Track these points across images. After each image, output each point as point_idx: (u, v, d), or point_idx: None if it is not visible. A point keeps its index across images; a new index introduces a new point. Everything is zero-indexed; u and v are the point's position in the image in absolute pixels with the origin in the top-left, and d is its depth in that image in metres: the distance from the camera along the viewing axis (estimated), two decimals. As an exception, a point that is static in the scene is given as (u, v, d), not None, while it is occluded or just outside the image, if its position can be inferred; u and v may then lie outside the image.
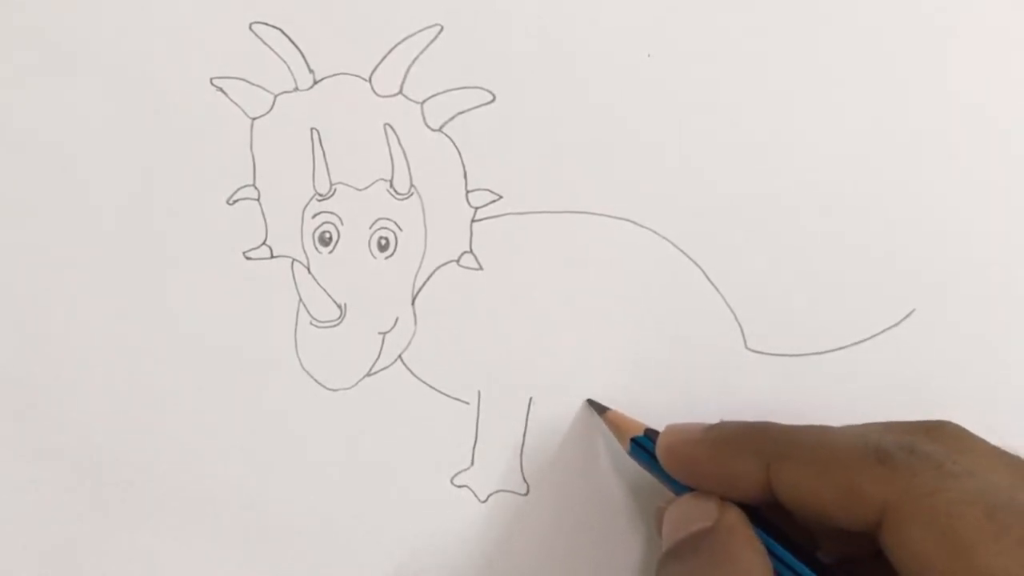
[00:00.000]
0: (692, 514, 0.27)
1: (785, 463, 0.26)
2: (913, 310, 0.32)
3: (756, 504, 0.27)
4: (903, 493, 0.23)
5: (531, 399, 0.32)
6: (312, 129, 0.32)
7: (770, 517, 0.27)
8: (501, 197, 0.32)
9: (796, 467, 0.25)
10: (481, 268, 0.32)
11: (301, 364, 0.32)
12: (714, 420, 0.32)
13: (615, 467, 0.32)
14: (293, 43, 0.32)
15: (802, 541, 0.27)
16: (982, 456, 0.26)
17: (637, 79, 0.32)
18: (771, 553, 0.26)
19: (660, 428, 0.29)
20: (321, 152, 0.32)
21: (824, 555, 0.28)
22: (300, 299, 0.32)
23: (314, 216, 0.32)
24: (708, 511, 0.27)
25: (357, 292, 0.32)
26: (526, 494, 0.32)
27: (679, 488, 0.28)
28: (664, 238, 0.32)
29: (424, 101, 0.32)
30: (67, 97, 0.32)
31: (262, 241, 0.32)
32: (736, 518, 0.26)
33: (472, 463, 0.32)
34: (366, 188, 0.32)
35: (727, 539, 0.26)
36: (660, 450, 0.28)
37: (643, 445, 0.29)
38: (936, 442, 0.25)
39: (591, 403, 0.32)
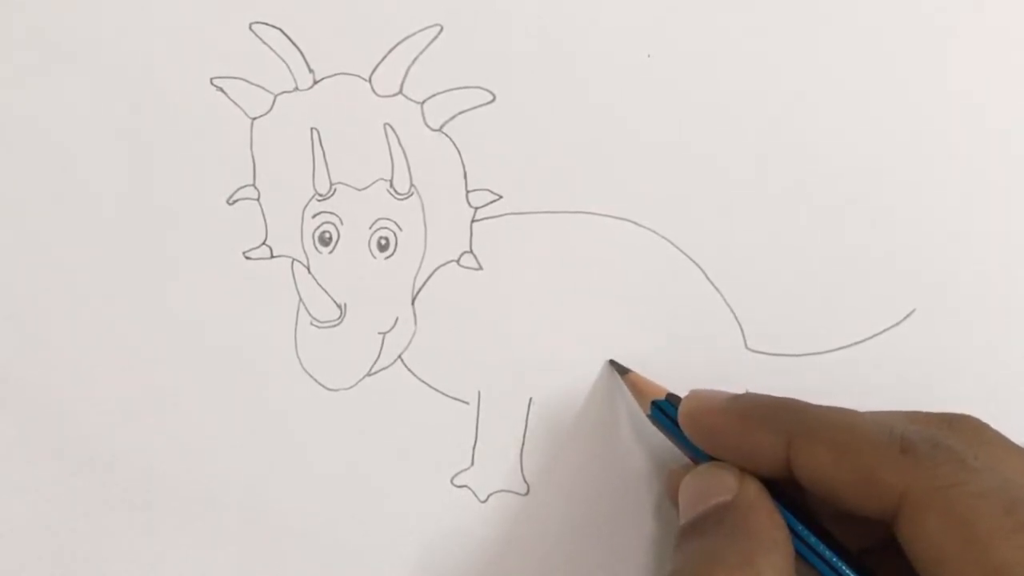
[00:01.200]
0: (711, 486, 0.27)
1: (807, 441, 0.25)
2: (913, 310, 0.32)
3: (775, 479, 0.26)
4: (923, 484, 0.23)
5: (531, 399, 0.32)
6: (312, 129, 0.32)
7: (788, 492, 0.27)
8: (501, 197, 0.32)
9: (818, 447, 0.25)
10: (481, 268, 0.32)
11: (301, 364, 0.32)
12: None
13: (622, 457, 0.32)
14: (293, 43, 0.32)
15: (817, 517, 0.27)
16: (1002, 452, 0.26)
17: (637, 79, 0.32)
18: (789, 527, 0.26)
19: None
20: (321, 152, 0.32)
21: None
22: (300, 299, 0.32)
23: (314, 216, 0.32)
24: (728, 484, 0.26)
25: (357, 292, 0.32)
26: (526, 494, 0.32)
27: (697, 454, 0.28)
28: (664, 238, 0.32)
29: (424, 101, 0.32)
30: (67, 97, 0.32)
31: (262, 241, 0.32)
32: (756, 491, 0.26)
33: (472, 463, 0.32)
34: (366, 188, 0.32)
35: (747, 513, 0.26)
36: (682, 416, 0.28)
37: (664, 410, 0.29)
38: (958, 436, 0.25)
39: (613, 364, 0.32)
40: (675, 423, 0.28)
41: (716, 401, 0.28)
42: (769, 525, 0.25)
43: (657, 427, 0.30)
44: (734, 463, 0.27)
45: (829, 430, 0.25)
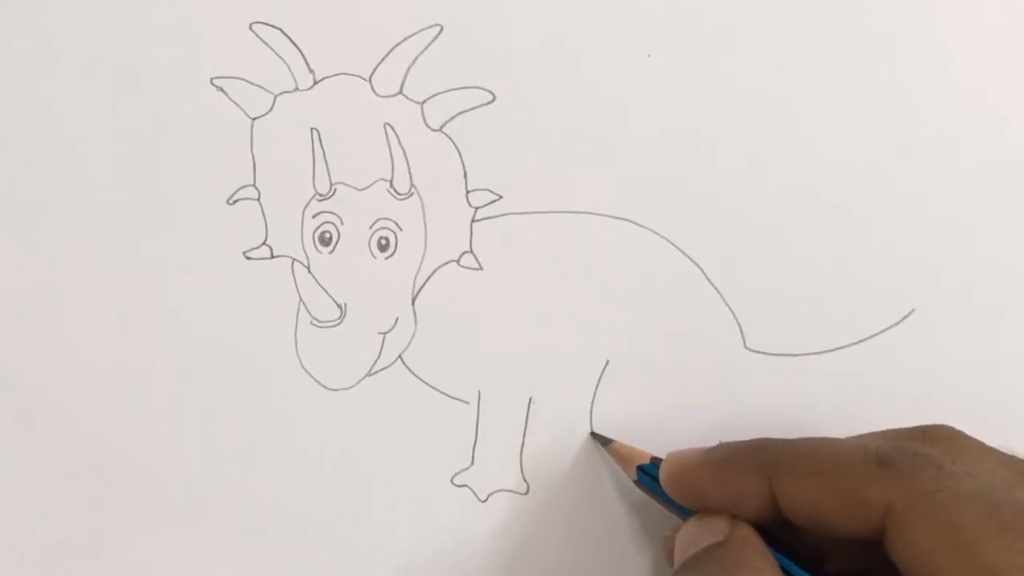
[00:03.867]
0: (704, 531, 0.27)
1: (788, 475, 0.26)
2: (913, 310, 0.32)
3: (764, 523, 0.27)
4: (905, 494, 0.24)
5: (531, 399, 0.32)
6: (312, 129, 0.32)
7: (779, 536, 0.27)
8: (501, 197, 0.32)
9: (799, 478, 0.25)
10: (481, 268, 0.32)
11: (301, 364, 0.32)
12: (713, 421, 0.32)
13: (618, 479, 0.32)
14: (293, 43, 0.32)
15: (810, 560, 0.27)
16: (979, 456, 0.26)
17: (637, 79, 0.32)
18: (782, 568, 0.26)
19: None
20: (321, 152, 0.32)
21: (832, 569, 0.28)
22: (300, 299, 0.32)
23: (314, 216, 0.32)
24: (720, 527, 0.27)
25: (357, 292, 0.32)
26: (526, 494, 0.32)
27: (688, 515, 0.28)
28: (664, 238, 0.32)
29: (424, 101, 0.32)
30: (67, 97, 0.32)
31: (262, 241, 0.32)
32: (748, 532, 0.26)
33: (472, 463, 0.32)
34: (366, 188, 0.32)
35: (740, 551, 0.26)
36: (664, 478, 0.28)
37: (650, 473, 0.29)
38: (934, 444, 0.26)
39: (595, 436, 0.32)
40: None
41: (693, 457, 0.28)
42: (761, 561, 0.26)
43: (645, 492, 0.30)
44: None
45: (807, 459, 0.26)
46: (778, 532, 0.27)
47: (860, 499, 0.24)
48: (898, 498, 0.24)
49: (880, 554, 0.25)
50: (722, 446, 0.28)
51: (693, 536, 0.27)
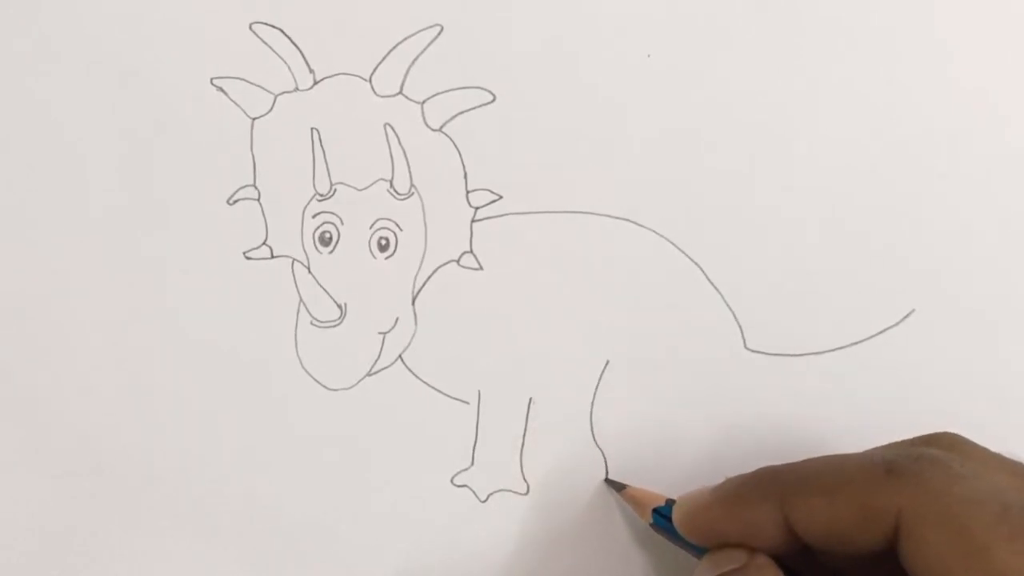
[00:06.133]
0: (723, 560, 0.27)
1: (798, 497, 0.26)
2: (913, 310, 0.32)
3: (780, 553, 0.27)
4: (914, 498, 0.24)
5: (531, 399, 0.32)
6: (312, 129, 0.32)
7: (796, 567, 0.27)
8: (501, 197, 0.32)
9: (810, 498, 0.25)
10: (481, 268, 0.32)
11: (301, 364, 0.32)
12: (714, 422, 0.32)
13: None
14: (293, 43, 0.32)
15: None
16: (984, 460, 0.26)
17: (637, 79, 0.32)
18: None
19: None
20: (321, 152, 0.32)
21: None
22: (300, 299, 0.32)
23: (314, 216, 0.32)
24: (738, 556, 0.27)
25: (357, 292, 0.32)
26: (526, 494, 0.32)
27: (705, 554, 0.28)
28: (664, 238, 0.32)
29: (424, 101, 0.32)
30: (67, 97, 0.32)
31: (262, 241, 0.32)
32: (765, 560, 0.26)
33: (472, 463, 0.32)
34: (366, 188, 0.32)
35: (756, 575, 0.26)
36: (677, 521, 0.28)
37: (665, 515, 0.29)
38: (940, 449, 0.26)
39: (609, 482, 0.32)
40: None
41: (703, 497, 0.28)
42: None
43: (662, 535, 0.30)
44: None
45: (815, 478, 0.26)
46: (794, 563, 0.27)
47: (872, 508, 0.24)
48: (908, 502, 0.24)
49: (897, 574, 0.25)
50: (729, 481, 0.28)
51: (712, 564, 0.27)
